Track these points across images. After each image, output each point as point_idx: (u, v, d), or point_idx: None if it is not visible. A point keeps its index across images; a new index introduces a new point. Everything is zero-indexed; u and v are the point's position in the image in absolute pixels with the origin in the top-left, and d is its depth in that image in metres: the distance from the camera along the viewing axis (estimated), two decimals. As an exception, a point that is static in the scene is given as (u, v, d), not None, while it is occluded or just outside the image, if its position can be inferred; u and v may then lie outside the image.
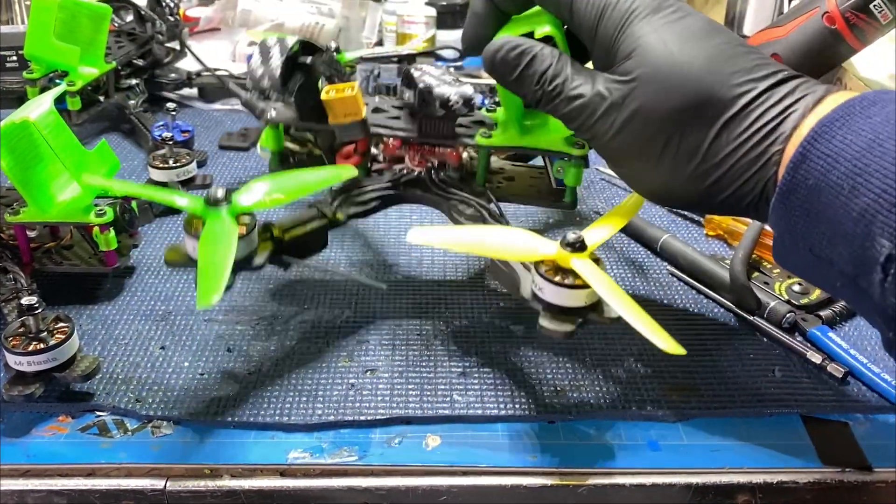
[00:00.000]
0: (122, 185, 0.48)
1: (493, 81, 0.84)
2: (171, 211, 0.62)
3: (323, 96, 0.45)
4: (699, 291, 0.54)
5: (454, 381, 0.45)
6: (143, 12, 0.82)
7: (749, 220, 0.57)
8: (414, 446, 0.41)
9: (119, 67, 0.76)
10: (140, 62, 0.80)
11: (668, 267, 0.57)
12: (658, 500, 0.40)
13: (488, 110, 0.49)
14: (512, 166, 0.52)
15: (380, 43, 1.02)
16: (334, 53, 0.48)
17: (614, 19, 0.36)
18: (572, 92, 0.38)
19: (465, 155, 0.49)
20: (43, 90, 0.70)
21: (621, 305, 0.36)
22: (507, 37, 0.40)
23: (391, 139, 0.49)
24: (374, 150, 0.50)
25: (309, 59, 0.47)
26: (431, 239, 0.40)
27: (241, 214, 0.41)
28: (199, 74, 0.82)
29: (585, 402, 0.44)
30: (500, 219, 0.46)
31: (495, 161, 0.52)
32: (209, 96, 0.83)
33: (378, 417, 0.42)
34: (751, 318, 0.51)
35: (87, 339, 0.48)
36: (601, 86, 0.37)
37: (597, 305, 0.39)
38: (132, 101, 0.76)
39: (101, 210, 0.50)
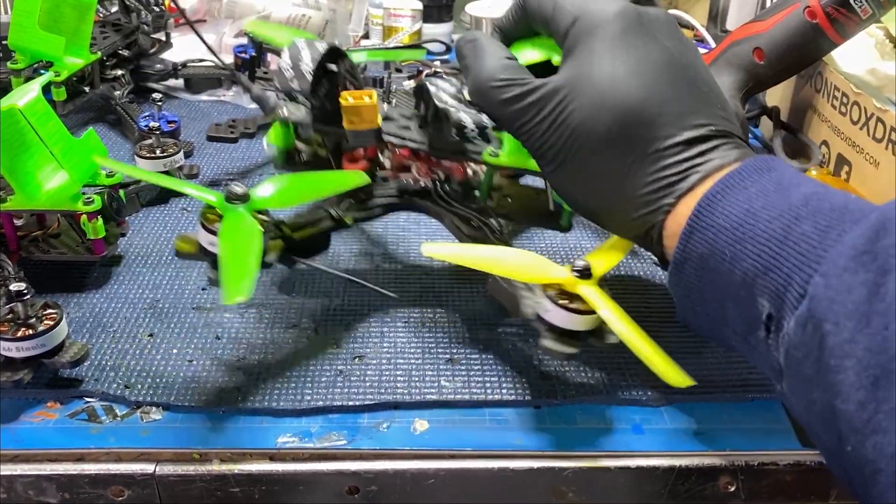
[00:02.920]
0: (136, 171, 0.48)
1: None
2: (159, 200, 0.62)
3: (342, 102, 0.45)
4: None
5: (441, 367, 0.46)
6: (127, 3, 0.82)
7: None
8: (402, 431, 0.42)
9: (104, 58, 0.75)
10: (125, 53, 0.79)
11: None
12: (642, 482, 0.41)
13: (496, 129, 0.48)
14: (512, 184, 0.52)
15: (366, 36, 1.02)
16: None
17: (580, 29, 0.38)
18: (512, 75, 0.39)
19: (469, 170, 0.50)
20: (27, 80, 0.70)
21: (630, 334, 0.38)
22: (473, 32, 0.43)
23: (400, 148, 0.49)
24: (380, 157, 0.50)
25: (335, 67, 0.46)
26: (446, 253, 0.42)
27: (257, 212, 0.41)
28: (184, 65, 0.82)
29: (571, 387, 0.44)
30: (500, 235, 0.47)
31: (497, 178, 0.52)
32: (195, 87, 0.83)
33: (366, 402, 0.43)
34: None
35: (75, 327, 0.48)
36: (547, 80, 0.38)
37: (597, 330, 0.40)
38: (118, 92, 0.76)
39: (88, 198, 0.50)
